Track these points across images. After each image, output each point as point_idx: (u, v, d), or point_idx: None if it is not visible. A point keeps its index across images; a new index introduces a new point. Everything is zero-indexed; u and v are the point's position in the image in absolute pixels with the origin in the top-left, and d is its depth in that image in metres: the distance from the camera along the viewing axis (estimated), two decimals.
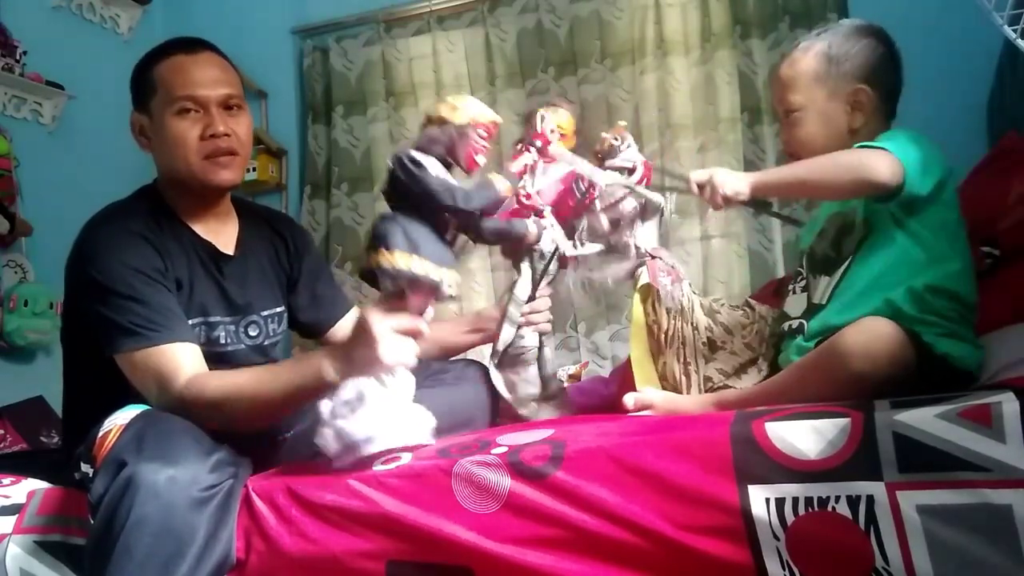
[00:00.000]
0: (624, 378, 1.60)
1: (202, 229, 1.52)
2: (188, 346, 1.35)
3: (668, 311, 1.40)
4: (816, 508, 0.98)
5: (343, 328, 1.66)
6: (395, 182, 1.26)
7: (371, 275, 1.22)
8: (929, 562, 0.93)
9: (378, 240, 1.20)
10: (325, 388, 1.23)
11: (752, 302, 1.51)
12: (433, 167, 1.25)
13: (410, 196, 1.24)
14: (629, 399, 1.34)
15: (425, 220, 1.23)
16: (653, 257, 1.43)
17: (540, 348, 1.50)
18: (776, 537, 0.99)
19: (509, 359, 1.48)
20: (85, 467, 1.25)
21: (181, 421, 1.26)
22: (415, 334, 1.23)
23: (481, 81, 2.93)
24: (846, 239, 1.35)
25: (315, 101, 3.07)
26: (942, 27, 2.31)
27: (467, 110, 1.30)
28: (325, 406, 1.22)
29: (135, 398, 1.35)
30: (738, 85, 2.66)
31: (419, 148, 1.27)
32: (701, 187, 1.32)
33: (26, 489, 1.42)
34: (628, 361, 1.75)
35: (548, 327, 1.51)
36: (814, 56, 1.41)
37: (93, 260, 1.39)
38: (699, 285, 2.58)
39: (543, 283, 1.48)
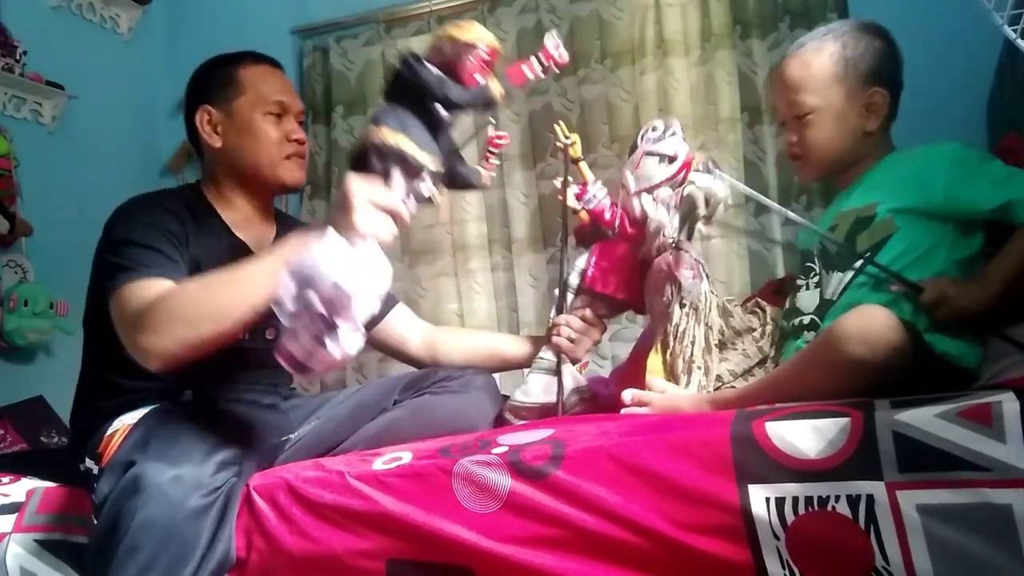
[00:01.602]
0: (624, 378, 1.60)
1: (240, 231, 1.56)
2: (167, 284, 1.31)
3: (682, 306, 1.38)
4: (816, 507, 0.98)
5: (390, 324, 1.68)
6: (395, 78, 1.27)
7: (359, 162, 1.22)
8: (929, 562, 0.93)
9: (372, 120, 1.23)
10: None
11: (762, 303, 1.49)
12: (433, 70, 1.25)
13: (407, 90, 1.24)
14: (627, 394, 1.34)
15: (420, 114, 1.24)
16: (679, 248, 1.40)
17: (558, 367, 1.47)
18: (776, 536, 0.99)
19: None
20: (90, 463, 1.26)
21: (188, 420, 1.27)
22: (394, 213, 1.19)
23: None
24: (861, 235, 1.34)
25: (315, 101, 3.07)
26: (942, 27, 2.31)
27: (472, 31, 1.30)
28: (297, 260, 1.09)
29: (149, 392, 1.36)
30: (738, 85, 2.65)
31: (425, 58, 1.28)
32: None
33: (25, 488, 1.42)
34: (628, 361, 1.75)
35: (567, 345, 1.47)
36: (829, 57, 1.40)
37: (116, 227, 1.43)
38: None
39: (569, 302, 1.49)
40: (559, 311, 1.50)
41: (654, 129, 1.47)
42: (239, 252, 1.54)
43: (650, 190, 1.41)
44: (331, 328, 1.06)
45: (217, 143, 1.56)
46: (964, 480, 0.93)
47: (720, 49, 2.68)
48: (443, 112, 1.25)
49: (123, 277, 1.31)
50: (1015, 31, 1.23)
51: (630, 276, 1.47)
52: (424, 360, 1.68)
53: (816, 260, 1.42)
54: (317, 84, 3.07)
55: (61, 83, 2.72)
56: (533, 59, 1.34)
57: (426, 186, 1.24)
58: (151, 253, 1.36)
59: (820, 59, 1.41)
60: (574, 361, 1.50)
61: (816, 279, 1.40)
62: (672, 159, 1.42)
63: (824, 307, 1.36)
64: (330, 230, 1.13)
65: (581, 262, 1.50)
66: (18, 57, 2.59)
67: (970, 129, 2.18)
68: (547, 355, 1.49)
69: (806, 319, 1.37)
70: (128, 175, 2.85)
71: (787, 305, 1.45)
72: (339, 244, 1.11)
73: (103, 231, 1.46)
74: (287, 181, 1.58)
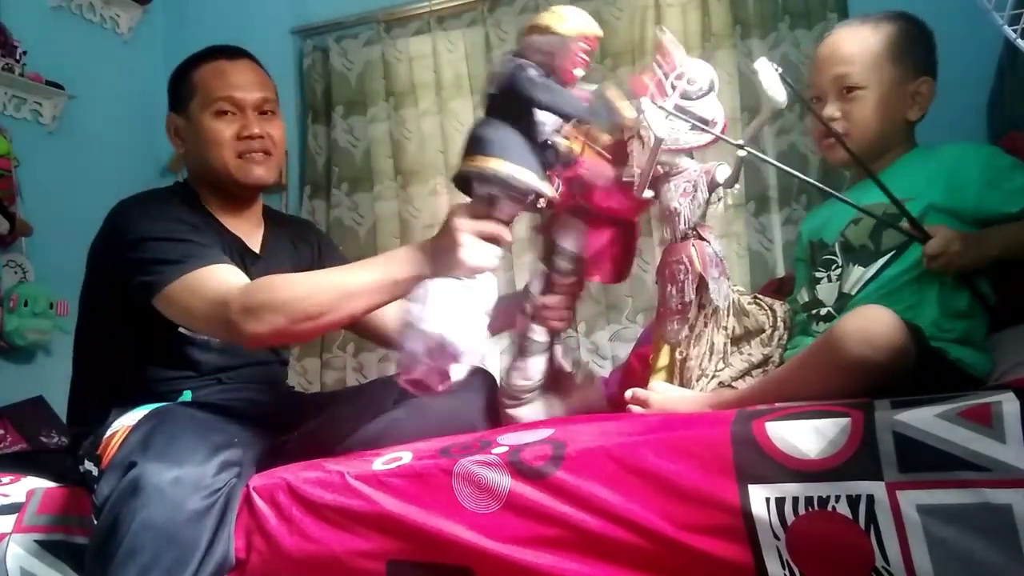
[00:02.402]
0: (625, 377, 1.60)
1: (231, 226, 1.56)
2: (235, 268, 1.36)
3: (701, 307, 1.32)
4: (816, 508, 0.98)
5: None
6: (507, 90, 1.24)
7: (462, 181, 1.24)
8: (929, 562, 0.93)
9: (477, 145, 1.21)
10: (416, 281, 1.25)
11: (767, 300, 1.44)
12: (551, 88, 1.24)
13: (517, 105, 1.22)
14: (627, 393, 1.34)
15: (524, 131, 1.23)
16: (700, 237, 1.33)
17: (551, 345, 1.44)
18: (776, 537, 0.99)
19: (516, 347, 1.46)
20: (89, 464, 1.26)
21: (188, 421, 1.27)
22: (499, 240, 1.25)
23: (481, 81, 2.93)
24: (887, 231, 1.33)
25: (315, 101, 3.07)
26: (942, 27, 2.30)
27: (573, 21, 1.27)
28: (414, 310, 1.21)
29: (146, 392, 1.36)
30: (738, 85, 2.65)
31: (520, 55, 1.25)
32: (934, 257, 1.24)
33: (25, 488, 1.42)
34: (628, 361, 1.75)
35: (561, 325, 1.45)
36: (887, 37, 1.39)
37: (126, 225, 1.42)
38: None
39: (559, 279, 1.43)
40: (549, 289, 1.42)
41: (690, 82, 1.32)
42: (241, 247, 1.54)
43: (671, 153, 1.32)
44: (450, 357, 1.18)
45: (181, 149, 1.57)
46: (964, 480, 0.93)
47: (720, 49, 2.68)
48: (549, 119, 1.25)
49: (178, 268, 1.32)
50: (1015, 31, 1.23)
51: (612, 258, 1.40)
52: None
53: (838, 253, 1.40)
54: (317, 84, 3.07)
55: (61, 83, 2.72)
56: (656, 68, 1.31)
57: (531, 199, 1.26)
58: (192, 245, 1.37)
59: (877, 36, 1.39)
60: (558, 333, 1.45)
61: (838, 272, 1.38)
62: (707, 126, 1.32)
63: (843, 301, 1.35)
64: (437, 277, 1.21)
65: (568, 244, 1.42)
66: (18, 57, 2.59)
67: (970, 129, 2.18)
68: (540, 336, 1.42)
69: (823, 311, 1.37)
70: (128, 175, 2.84)
71: (806, 298, 1.43)
72: (450, 290, 1.20)
73: (111, 231, 1.45)
74: (243, 181, 1.53)
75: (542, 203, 1.28)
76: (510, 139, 1.22)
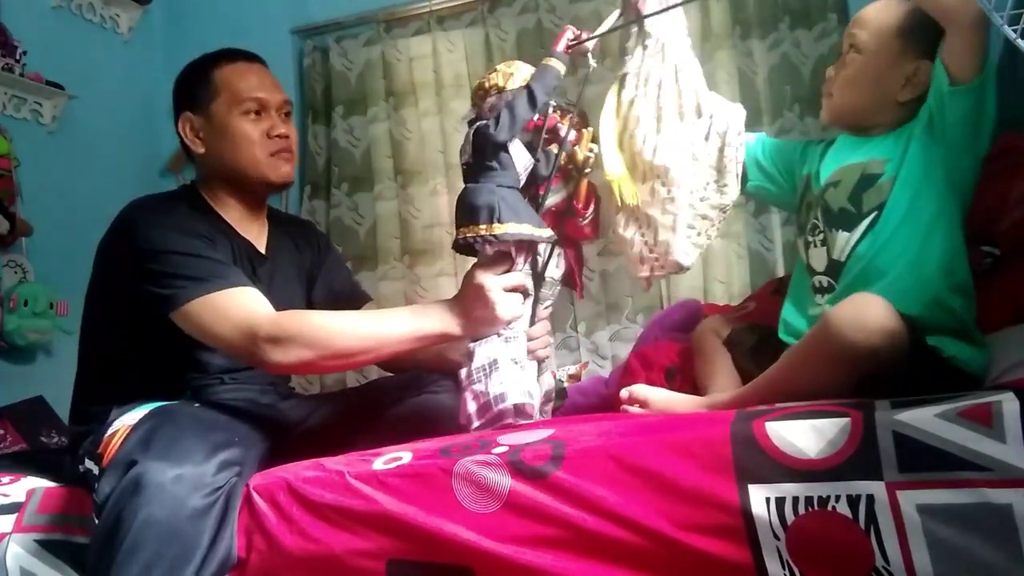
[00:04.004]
0: (624, 378, 1.60)
1: (240, 229, 1.57)
2: (259, 293, 1.38)
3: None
4: (816, 507, 0.98)
5: None
6: (478, 149, 1.34)
7: (465, 247, 1.33)
8: (929, 562, 0.93)
9: (476, 215, 1.30)
10: (444, 340, 1.35)
11: None
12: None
13: (494, 156, 1.34)
14: (624, 392, 1.34)
15: (508, 182, 1.33)
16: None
17: (539, 374, 1.47)
18: (776, 537, 0.99)
19: None
20: (90, 463, 1.26)
21: (189, 420, 1.27)
22: (521, 290, 1.34)
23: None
24: (866, 193, 1.33)
25: (315, 101, 3.07)
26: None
27: (521, 74, 1.37)
28: (462, 373, 1.34)
29: (150, 391, 1.36)
30: (738, 85, 2.65)
31: (478, 118, 1.36)
32: None
33: (25, 488, 1.42)
34: (628, 361, 1.75)
35: (548, 352, 1.48)
36: (905, 12, 1.36)
37: (141, 232, 1.42)
38: (699, 285, 2.58)
39: (542, 309, 1.46)
40: (533, 320, 1.45)
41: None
42: (249, 250, 1.55)
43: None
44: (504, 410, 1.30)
45: (201, 149, 1.56)
46: (964, 480, 0.93)
47: (720, 49, 2.68)
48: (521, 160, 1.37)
49: (201, 286, 1.34)
50: (1015, 31, 1.23)
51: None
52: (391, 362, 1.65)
53: (820, 217, 1.39)
54: (317, 84, 3.07)
55: (61, 83, 2.72)
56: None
57: (544, 247, 1.38)
58: (214, 263, 1.38)
59: (897, 9, 1.37)
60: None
61: (821, 237, 1.38)
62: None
63: (835, 268, 1.34)
64: (488, 338, 1.34)
65: (554, 272, 1.47)
66: (18, 57, 2.59)
67: None
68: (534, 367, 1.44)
69: (823, 280, 1.36)
70: (128, 175, 2.85)
71: (805, 260, 1.42)
72: (494, 348, 1.32)
73: (124, 235, 1.43)
74: (273, 179, 1.56)
75: (546, 244, 1.38)
76: (504, 199, 1.30)
